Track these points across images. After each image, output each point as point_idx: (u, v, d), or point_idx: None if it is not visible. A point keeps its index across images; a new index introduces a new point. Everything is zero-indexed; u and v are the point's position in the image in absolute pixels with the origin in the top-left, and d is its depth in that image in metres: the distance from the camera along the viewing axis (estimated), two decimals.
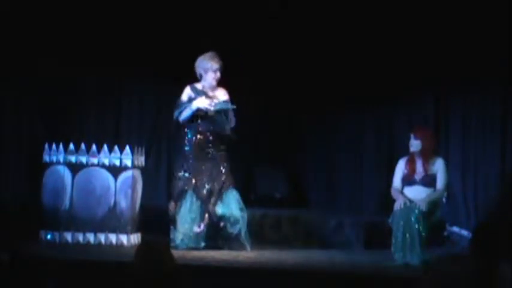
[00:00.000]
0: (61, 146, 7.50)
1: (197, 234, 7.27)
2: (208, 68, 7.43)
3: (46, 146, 7.57)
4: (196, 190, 7.34)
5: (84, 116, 9.07)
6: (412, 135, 7.03)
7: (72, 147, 7.50)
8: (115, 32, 8.80)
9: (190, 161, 7.42)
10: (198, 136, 7.42)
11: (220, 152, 7.45)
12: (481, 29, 8.00)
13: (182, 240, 7.27)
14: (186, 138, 7.47)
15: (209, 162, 7.41)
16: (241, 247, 7.28)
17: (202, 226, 7.28)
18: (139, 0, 8.89)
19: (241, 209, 7.39)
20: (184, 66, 8.81)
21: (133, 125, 9.30)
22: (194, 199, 7.35)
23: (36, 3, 8.50)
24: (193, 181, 7.36)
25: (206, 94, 7.43)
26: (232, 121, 7.48)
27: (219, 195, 7.34)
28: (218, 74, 7.44)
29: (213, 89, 7.50)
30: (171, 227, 7.39)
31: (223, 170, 7.41)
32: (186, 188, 7.38)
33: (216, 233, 7.35)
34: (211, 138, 7.42)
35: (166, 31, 8.93)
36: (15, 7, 8.42)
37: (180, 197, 7.39)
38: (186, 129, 7.48)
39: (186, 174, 7.41)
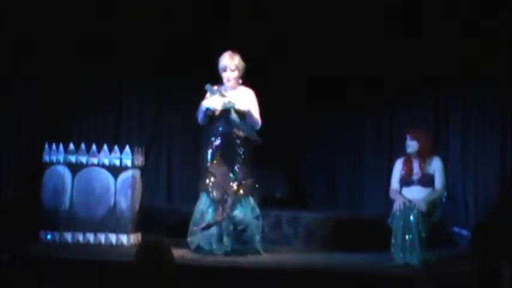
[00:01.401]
0: (61, 146, 7.50)
1: (209, 235, 7.04)
2: (221, 68, 7.18)
3: (46, 146, 7.57)
4: (210, 193, 7.10)
5: (84, 116, 9.07)
6: (408, 136, 7.03)
7: (72, 147, 7.49)
8: (115, 32, 8.80)
9: (208, 163, 7.18)
10: (215, 138, 7.16)
11: (239, 154, 7.14)
12: (481, 29, 8.00)
13: (198, 246, 7.05)
14: (206, 140, 7.26)
15: (226, 165, 7.11)
16: (255, 253, 7.05)
17: (203, 224, 7.02)
18: (139, 0, 8.90)
19: (256, 217, 7.13)
20: (184, 66, 8.85)
21: (133, 125, 9.31)
22: (208, 202, 7.11)
23: (37, 3, 8.51)
24: (208, 183, 7.11)
25: (221, 94, 7.12)
26: (254, 123, 7.22)
27: (231, 200, 7.05)
28: (230, 74, 7.13)
29: (233, 88, 7.21)
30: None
31: (240, 175, 7.09)
32: (200, 190, 7.19)
33: (232, 238, 7.07)
34: (228, 140, 7.13)
35: (167, 31, 8.94)
36: (15, 7, 8.43)
37: (197, 200, 7.20)
38: (207, 131, 7.27)
39: (205, 177, 7.16)
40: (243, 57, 7.19)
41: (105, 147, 7.52)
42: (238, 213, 7.07)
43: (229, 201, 7.06)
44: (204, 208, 7.13)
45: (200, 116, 7.20)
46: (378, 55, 8.68)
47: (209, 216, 7.08)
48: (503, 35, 7.89)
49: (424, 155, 6.97)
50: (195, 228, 7.12)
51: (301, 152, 9.61)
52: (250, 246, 7.10)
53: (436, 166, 6.95)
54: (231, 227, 7.06)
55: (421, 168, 6.94)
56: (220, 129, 7.16)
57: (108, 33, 8.79)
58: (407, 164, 7.01)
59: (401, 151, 7.27)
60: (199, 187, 7.22)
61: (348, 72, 8.88)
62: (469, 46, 8.08)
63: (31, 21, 8.51)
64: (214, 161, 7.16)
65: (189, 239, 7.12)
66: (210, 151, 7.19)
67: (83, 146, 7.50)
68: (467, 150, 8.37)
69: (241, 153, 7.16)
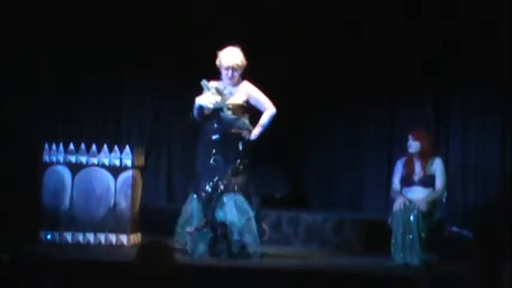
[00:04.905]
0: (61, 146, 7.50)
1: (191, 236, 6.74)
2: (224, 66, 6.90)
3: (46, 146, 7.57)
4: (199, 192, 6.86)
5: (84, 116, 9.07)
6: (410, 137, 7.04)
7: (72, 147, 7.49)
8: (115, 32, 8.80)
9: (200, 161, 6.97)
10: (208, 135, 6.91)
11: (231, 153, 6.85)
12: (481, 28, 8.01)
13: (184, 249, 6.73)
14: (201, 136, 7.01)
15: (216, 164, 6.85)
16: (249, 257, 6.70)
17: (193, 228, 6.76)
18: (139, 1, 8.90)
19: (248, 218, 6.74)
20: (185, 66, 8.84)
21: (133, 125, 9.31)
22: (196, 201, 6.87)
23: (37, 2, 8.51)
24: (197, 182, 6.90)
25: (218, 90, 6.87)
26: (272, 113, 7.00)
27: (219, 200, 6.75)
28: (230, 73, 6.88)
29: (236, 85, 6.95)
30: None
31: (229, 173, 6.80)
32: (189, 189, 7.00)
33: (222, 241, 6.79)
34: (222, 137, 6.86)
35: (166, 31, 8.94)
36: (15, 6, 8.43)
37: (186, 198, 7.00)
38: (202, 127, 6.99)
39: (197, 177, 6.95)
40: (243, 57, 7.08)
41: (105, 147, 7.51)
42: (220, 214, 6.76)
43: (213, 201, 6.76)
44: (191, 210, 6.87)
45: (194, 112, 6.96)
46: (378, 55, 8.69)
47: (196, 219, 6.80)
48: (503, 35, 7.90)
49: (426, 156, 6.98)
50: (180, 230, 6.85)
51: (301, 152, 9.60)
52: (242, 250, 6.76)
53: (437, 167, 6.96)
54: (212, 229, 6.76)
55: (423, 168, 6.95)
56: (215, 126, 6.90)
57: (108, 33, 8.78)
58: (409, 164, 7.01)
59: (401, 151, 7.27)
60: (190, 187, 7.02)
61: (348, 72, 8.88)
62: (469, 46, 8.09)
63: (31, 20, 8.51)
64: (208, 159, 6.88)
65: (175, 239, 6.83)
66: (204, 148, 6.94)
67: (83, 146, 7.50)
68: (467, 150, 8.38)
69: (234, 150, 6.87)
